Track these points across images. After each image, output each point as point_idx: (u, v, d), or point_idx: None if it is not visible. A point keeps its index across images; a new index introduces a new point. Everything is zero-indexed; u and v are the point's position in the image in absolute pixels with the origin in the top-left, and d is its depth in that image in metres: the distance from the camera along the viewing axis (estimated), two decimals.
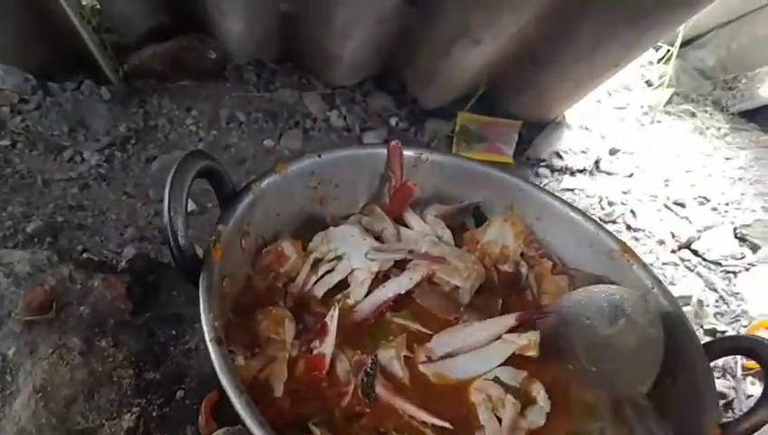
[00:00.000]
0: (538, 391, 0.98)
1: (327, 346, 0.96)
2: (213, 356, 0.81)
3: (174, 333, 1.04)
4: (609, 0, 1.63)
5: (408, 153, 1.22)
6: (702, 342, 1.08)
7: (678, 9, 1.58)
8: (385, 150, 1.20)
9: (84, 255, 1.27)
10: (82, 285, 1.01)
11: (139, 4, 2.03)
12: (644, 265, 1.17)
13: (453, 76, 2.07)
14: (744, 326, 1.79)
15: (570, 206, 1.23)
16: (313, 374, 0.95)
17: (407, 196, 1.21)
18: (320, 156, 1.14)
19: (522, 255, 1.25)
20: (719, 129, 2.47)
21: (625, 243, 1.20)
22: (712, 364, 1.05)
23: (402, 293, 1.06)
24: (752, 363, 1.60)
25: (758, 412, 0.96)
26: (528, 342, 1.02)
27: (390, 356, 0.99)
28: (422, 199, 1.28)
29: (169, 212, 0.86)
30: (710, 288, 1.89)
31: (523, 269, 1.22)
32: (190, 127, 2.02)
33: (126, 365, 0.96)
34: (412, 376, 0.99)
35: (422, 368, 1.00)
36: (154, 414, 0.94)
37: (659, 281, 1.15)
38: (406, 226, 1.23)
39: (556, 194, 1.27)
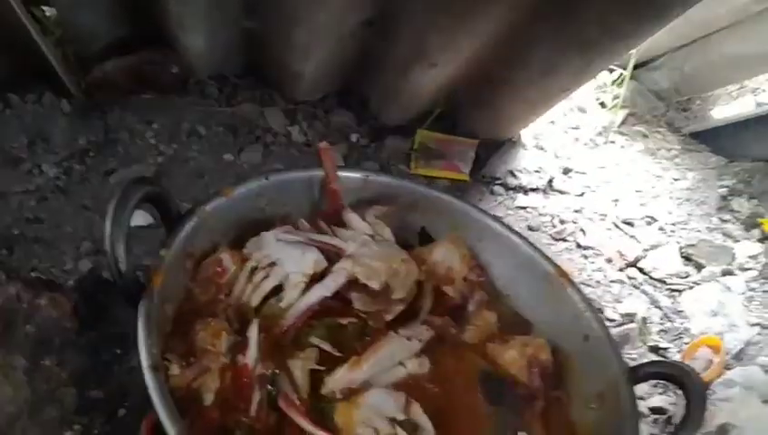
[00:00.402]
0: (419, 416, 1.00)
1: (249, 358, 0.98)
2: (149, 384, 0.84)
3: (118, 352, 1.06)
4: (558, 28, 1.68)
5: (354, 175, 1.26)
6: (644, 360, 1.13)
7: (624, 39, 1.64)
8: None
9: (33, 273, 1.29)
10: (29, 305, 1.03)
11: (101, 16, 2.03)
12: (577, 290, 1.21)
13: (412, 95, 2.11)
14: (686, 343, 1.85)
15: (509, 229, 1.28)
16: (239, 384, 0.97)
17: (337, 196, 1.25)
18: (267, 178, 1.17)
19: (464, 279, 1.28)
20: (670, 150, 2.53)
21: (560, 267, 1.24)
22: None
23: (329, 295, 1.09)
24: None
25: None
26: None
27: (297, 369, 1.01)
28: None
29: (111, 238, 0.89)
30: (655, 306, 1.95)
31: (471, 307, 1.26)
32: (150, 140, 2.03)
33: (69, 383, 0.98)
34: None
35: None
36: (95, 432, 0.96)
37: (591, 304, 1.19)
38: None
39: (497, 217, 1.31)
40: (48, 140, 1.95)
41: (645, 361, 1.17)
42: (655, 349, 1.82)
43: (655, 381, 1.67)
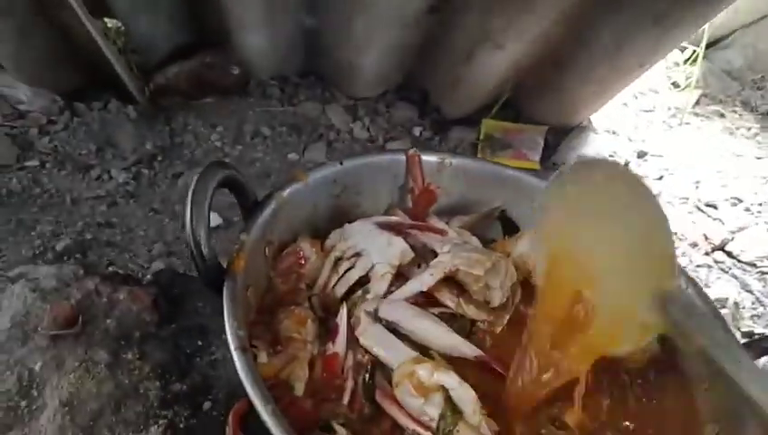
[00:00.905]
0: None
1: (339, 345, 0.94)
2: (238, 365, 0.80)
3: (200, 344, 1.03)
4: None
5: (430, 159, 1.20)
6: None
7: (696, 8, 1.56)
8: (402, 157, 1.19)
9: (110, 268, 1.27)
10: (108, 299, 1.01)
11: (162, 23, 2.05)
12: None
13: (475, 83, 2.06)
14: None
15: None
16: (330, 374, 0.93)
17: (430, 200, 1.19)
18: (341, 163, 1.13)
19: None
20: (749, 129, 2.42)
21: None
22: None
23: (424, 290, 1.03)
24: None
25: None
26: None
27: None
28: (448, 206, 1.26)
29: (191, 222, 0.86)
30: (746, 290, 1.84)
31: None
32: (215, 143, 2.04)
33: (152, 377, 0.95)
34: None
35: None
36: (181, 426, 0.93)
37: (694, 281, 1.11)
38: None
39: None
40: (116, 146, 1.97)
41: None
42: (749, 334, 1.72)
43: None
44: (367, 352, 0.95)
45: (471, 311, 1.05)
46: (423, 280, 1.03)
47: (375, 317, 0.98)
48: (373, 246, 1.08)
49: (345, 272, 1.07)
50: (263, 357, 0.89)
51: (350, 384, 0.92)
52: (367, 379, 0.92)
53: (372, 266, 1.07)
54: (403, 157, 1.18)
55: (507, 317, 1.09)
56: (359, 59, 2.06)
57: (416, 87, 2.27)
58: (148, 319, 1.01)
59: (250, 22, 1.92)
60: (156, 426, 0.90)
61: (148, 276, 1.18)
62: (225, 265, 0.91)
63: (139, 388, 0.94)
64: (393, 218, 1.12)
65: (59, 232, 1.71)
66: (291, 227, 1.08)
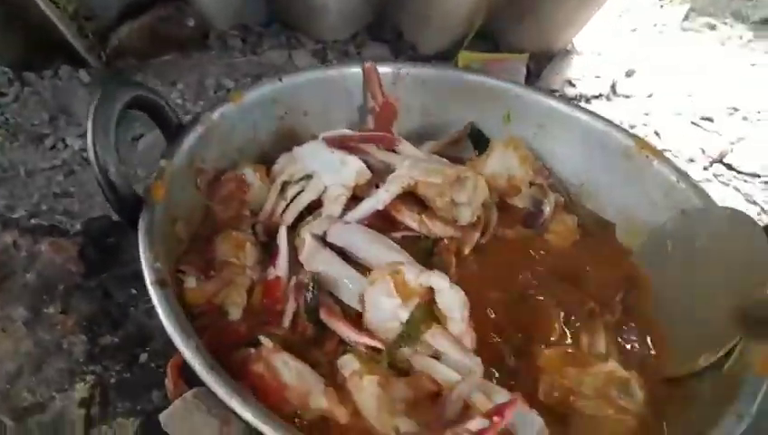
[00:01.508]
0: None
1: (280, 268, 0.85)
2: (155, 300, 0.70)
3: (135, 292, 0.93)
4: None
5: (385, 70, 1.09)
6: None
7: None
8: (356, 69, 1.07)
9: (33, 220, 1.16)
10: (28, 252, 0.90)
11: None
12: (666, 160, 1.02)
13: (448, 13, 1.94)
14: None
15: (574, 106, 1.09)
16: (270, 299, 0.84)
17: (391, 115, 1.07)
18: (281, 80, 1.01)
19: (531, 184, 1.09)
20: (741, 37, 2.29)
21: (642, 138, 1.05)
22: None
23: (380, 208, 0.92)
24: None
25: None
26: None
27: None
28: (414, 131, 1.14)
29: (95, 146, 0.75)
30: (749, 201, 1.73)
31: (546, 207, 1.06)
32: (176, 100, 1.92)
33: (77, 331, 0.85)
34: None
35: None
36: (112, 381, 0.83)
37: (686, 174, 1.00)
38: None
39: (559, 95, 1.12)
40: (70, 113, 1.86)
41: None
42: None
43: None
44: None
45: (436, 227, 0.95)
46: (379, 197, 0.93)
47: (323, 242, 0.86)
48: (325, 167, 0.98)
49: (294, 197, 0.95)
50: (191, 282, 0.80)
51: (291, 306, 0.82)
52: (309, 299, 0.81)
53: (325, 189, 0.96)
54: (352, 70, 1.07)
55: (477, 236, 0.98)
56: None
57: (388, 25, 2.15)
58: (73, 270, 0.90)
59: None
60: (82, 383, 0.81)
61: (77, 226, 1.07)
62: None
63: (63, 344, 0.84)
64: (341, 132, 1.00)
65: (14, 206, 1.61)
66: (227, 153, 0.96)
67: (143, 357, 0.87)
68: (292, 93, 1.03)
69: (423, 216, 0.94)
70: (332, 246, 0.88)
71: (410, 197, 0.96)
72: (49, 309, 0.87)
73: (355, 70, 1.07)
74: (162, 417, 0.80)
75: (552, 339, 0.85)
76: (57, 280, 0.90)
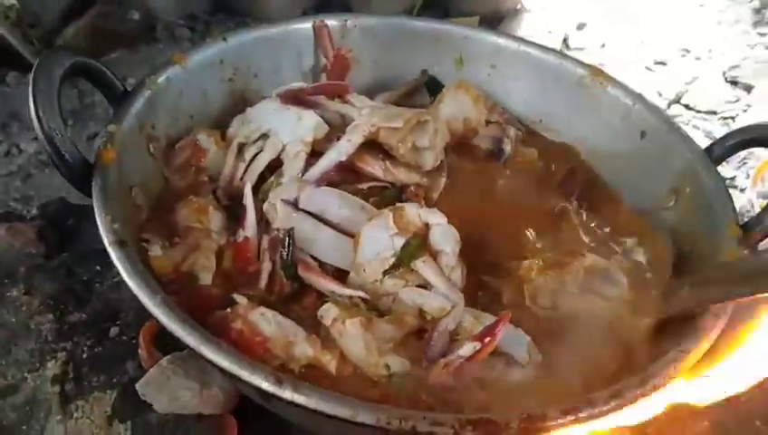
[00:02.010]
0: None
1: (249, 228, 0.82)
2: (115, 259, 0.68)
3: (99, 269, 0.91)
4: None
5: (332, 23, 1.07)
6: None
7: None
8: (302, 25, 1.05)
9: None
10: None
11: None
12: (620, 84, 1.02)
13: None
14: (752, 168, 1.64)
15: (524, 42, 1.08)
16: (242, 261, 0.82)
17: (344, 68, 1.05)
18: (225, 39, 0.99)
19: (487, 123, 1.09)
20: None
21: (594, 66, 1.05)
22: None
23: (343, 159, 0.90)
24: None
25: None
26: None
27: None
28: (368, 84, 1.12)
29: (37, 114, 0.73)
30: (710, 138, 1.73)
31: (507, 145, 1.05)
32: None
33: (43, 311, 0.83)
34: None
35: None
36: (84, 356, 0.81)
37: (640, 96, 1.00)
38: None
39: (509, 33, 1.11)
40: (21, 118, 1.83)
41: None
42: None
43: None
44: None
45: (401, 174, 0.94)
46: (341, 149, 0.91)
47: (295, 207, 0.85)
48: (281, 125, 0.95)
49: (253, 158, 0.93)
50: (155, 250, 0.77)
51: (266, 266, 0.80)
52: (285, 256, 0.79)
53: (283, 147, 0.94)
54: (298, 26, 1.05)
55: (443, 181, 0.97)
56: None
57: (335, 1, 2.12)
58: (33, 252, 0.88)
59: None
60: (53, 361, 0.78)
61: (34, 211, 1.05)
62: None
63: (30, 324, 0.82)
64: (294, 85, 0.98)
65: None
66: (178, 119, 0.94)
67: (114, 331, 0.85)
68: (238, 53, 1.00)
69: (387, 163, 0.93)
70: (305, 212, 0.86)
71: (372, 147, 0.95)
72: (12, 292, 0.85)
73: (301, 26, 1.05)
74: (139, 386, 0.78)
75: (527, 253, 0.85)
76: (17, 263, 0.88)
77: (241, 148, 0.94)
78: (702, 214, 0.87)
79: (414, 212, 0.82)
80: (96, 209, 0.72)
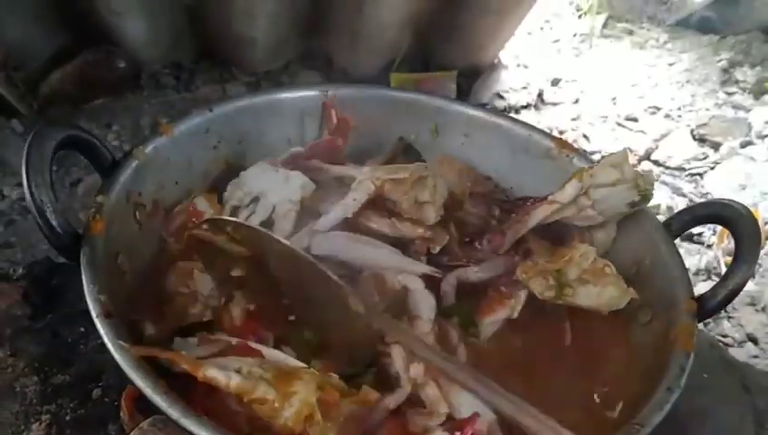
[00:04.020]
0: None
1: None
2: (101, 331, 0.71)
3: (83, 330, 0.94)
4: None
5: (312, 93, 1.12)
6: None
7: None
8: (286, 95, 1.10)
9: None
10: None
11: (32, 28, 1.92)
12: (584, 156, 1.08)
13: (373, 35, 1.97)
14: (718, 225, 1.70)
15: (495, 114, 1.15)
16: None
17: (345, 133, 1.11)
18: (211, 110, 1.03)
19: (470, 195, 1.13)
20: (658, 39, 2.40)
21: (561, 138, 1.11)
22: None
23: (349, 216, 0.95)
24: None
25: (734, 277, 0.87)
26: None
27: None
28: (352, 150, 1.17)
29: (30, 187, 0.76)
30: (678, 194, 1.81)
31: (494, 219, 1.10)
32: (113, 142, 1.91)
33: (28, 373, 0.86)
34: None
35: None
36: (67, 419, 0.84)
37: None
38: None
39: (479, 105, 1.17)
40: (5, 163, 1.84)
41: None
42: (688, 236, 1.67)
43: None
44: None
45: (406, 228, 0.99)
46: (347, 206, 0.96)
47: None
48: (270, 187, 1.01)
49: (246, 219, 0.98)
50: (149, 329, 0.80)
51: None
52: None
53: (273, 208, 0.99)
54: (282, 96, 1.11)
55: (446, 237, 1.02)
56: (249, 31, 1.95)
57: (318, 52, 2.18)
58: (19, 313, 0.91)
59: (120, 7, 1.79)
60: (38, 423, 0.81)
61: (20, 271, 1.08)
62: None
63: (15, 386, 0.85)
64: (294, 150, 1.04)
65: None
66: (163, 187, 0.98)
67: (96, 392, 0.88)
68: (224, 122, 1.05)
69: (393, 219, 0.98)
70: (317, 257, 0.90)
71: (375, 206, 0.99)
72: None
73: (286, 95, 1.11)
74: None
75: None
76: (3, 324, 0.90)
77: (235, 210, 0.99)
78: (661, 287, 0.92)
79: (392, 276, 0.88)
80: (84, 281, 0.75)
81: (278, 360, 0.78)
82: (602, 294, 0.90)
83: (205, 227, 0.89)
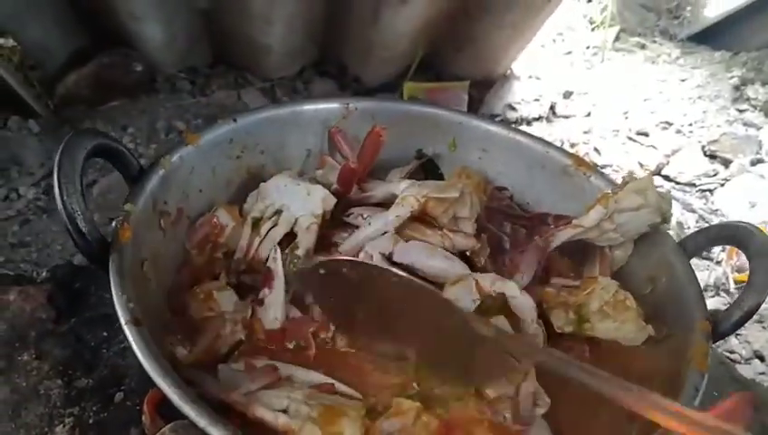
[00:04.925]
0: None
1: (277, 289, 0.90)
2: (130, 339, 0.73)
3: (105, 335, 0.96)
4: None
5: (333, 106, 1.14)
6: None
7: None
8: (308, 107, 1.12)
9: None
10: None
11: (52, 31, 1.94)
12: (601, 174, 1.09)
13: (388, 45, 1.99)
14: None
15: (513, 130, 1.16)
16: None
17: (377, 148, 1.11)
18: (235, 120, 1.05)
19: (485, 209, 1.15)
20: (670, 54, 2.41)
21: (578, 155, 1.12)
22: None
23: (390, 230, 0.97)
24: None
25: (748, 298, 0.88)
26: None
27: None
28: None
29: (61, 195, 0.78)
30: (688, 210, 1.82)
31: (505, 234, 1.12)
32: (128, 145, 1.93)
33: (53, 376, 0.88)
34: None
35: None
36: (90, 422, 0.85)
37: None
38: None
39: (497, 120, 1.18)
40: (21, 163, 1.86)
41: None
42: None
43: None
44: None
45: (459, 241, 1.00)
46: (388, 221, 0.98)
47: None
48: (293, 200, 1.03)
49: (268, 232, 1.00)
50: (181, 352, 0.81)
51: None
52: None
53: (296, 220, 1.01)
54: (304, 108, 1.13)
55: (488, 249, 1.04)
56: (265, 37, 1.97)
57: (332, 60, 2.20)
58: (44, 316, 0.92)
59: (140, 12, 1.81)
60: (61, 426, 0.83)
61: (44, 274, 1.09)
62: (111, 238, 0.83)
63: (39, 389, 0.86)
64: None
65: None
66: (187, 195, 1.00)
67: (119, 396, 0.90)
68: (247, 133, 1.07)
69: (445, 230, 1.00)
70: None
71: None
72: (23, 356, 0.89)
73: (307, 107, 1.13)
74: None
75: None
76: (28, 328, 0.92)
77: (256, 222, 1.01)
78: (675, 307, 0.93)
79: (489, 283, 0.91)
80: (113, 288, 0.77)
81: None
82: (621, 329, 0.92)
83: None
